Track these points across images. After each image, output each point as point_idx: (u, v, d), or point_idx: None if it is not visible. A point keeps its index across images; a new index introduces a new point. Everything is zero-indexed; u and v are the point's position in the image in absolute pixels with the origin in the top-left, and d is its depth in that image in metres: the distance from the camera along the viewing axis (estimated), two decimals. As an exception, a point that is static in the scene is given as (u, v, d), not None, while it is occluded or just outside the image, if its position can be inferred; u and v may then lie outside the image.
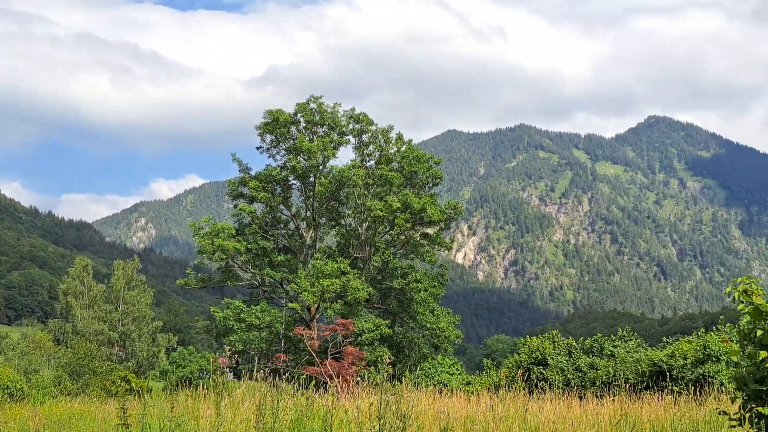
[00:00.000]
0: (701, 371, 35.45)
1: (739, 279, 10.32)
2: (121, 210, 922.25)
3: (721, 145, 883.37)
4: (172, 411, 15.97)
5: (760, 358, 9.38)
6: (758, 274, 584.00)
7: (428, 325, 57.38)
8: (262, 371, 26.56)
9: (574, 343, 45.06)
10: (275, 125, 58.17)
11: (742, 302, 9.92)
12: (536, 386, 31.93)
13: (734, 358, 10.29)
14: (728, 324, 40.72)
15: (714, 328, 40.68)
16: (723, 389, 27.63)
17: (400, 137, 62.86)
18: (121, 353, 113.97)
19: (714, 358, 36.19)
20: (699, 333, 41.72)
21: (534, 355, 43.19)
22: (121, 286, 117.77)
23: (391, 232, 60.92)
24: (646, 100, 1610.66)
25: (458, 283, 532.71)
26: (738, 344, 10.48)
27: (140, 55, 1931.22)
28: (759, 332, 9.65)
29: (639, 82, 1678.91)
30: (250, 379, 23.65)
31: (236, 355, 57.27)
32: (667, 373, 36.31)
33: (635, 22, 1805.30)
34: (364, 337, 51.27)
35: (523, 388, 24.56)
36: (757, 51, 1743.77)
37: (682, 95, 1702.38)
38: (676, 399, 22.51)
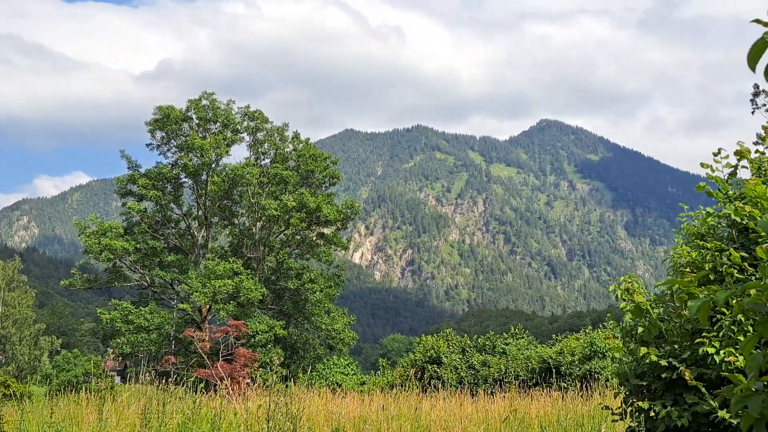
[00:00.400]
0: (588, 367, 36.69)
1: (622, 278, 10.65)
2: (1, 208, 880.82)
3: (608, 148, 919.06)
4: (51, 417, 15.27)
5: (641, 354, 9.69)
6: (642, 273, 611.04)
7: (323, 327, 57.30)
8: (150, 374, 25.84)
9: (467, 342, 45.87)
10: (166, 122, 56.95)
11: (624, 300, 10.24)
12: (430, 384, 32.31)
13: (617, 355, 10.61)
14: (612, 321, 42.37)
15: (601, 325, 42.22)
16: (608, 384, 28.65)
17: (296, 136, 62.57)
18: (0, 357, 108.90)
19: (600, 355, 37.54)
20: (587, 330, 43.21)
21: (429, 354, 43.69)
22: (1, 288, 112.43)
23: (286, 231, 60.53)
24: (538, 104, 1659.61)
25: (355, 283, 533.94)
26: (621, 341, 10.81)
27: (24, 47, 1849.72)
28: (639, 329, 9.99)
29: (533, 86, 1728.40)
30: (138, 382, 22.94)
31: (123, 358, 55.68)
32: (556, 370, 37.39)
33: (528, 27, 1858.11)
34: (257, 338, 50.75)
35: (417, 387, 24.77)
36: (642, 58, 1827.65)
37: (573, 100, 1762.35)
38: (563, 395, 23.14)
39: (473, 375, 41.63)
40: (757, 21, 3.55)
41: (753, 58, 3.48)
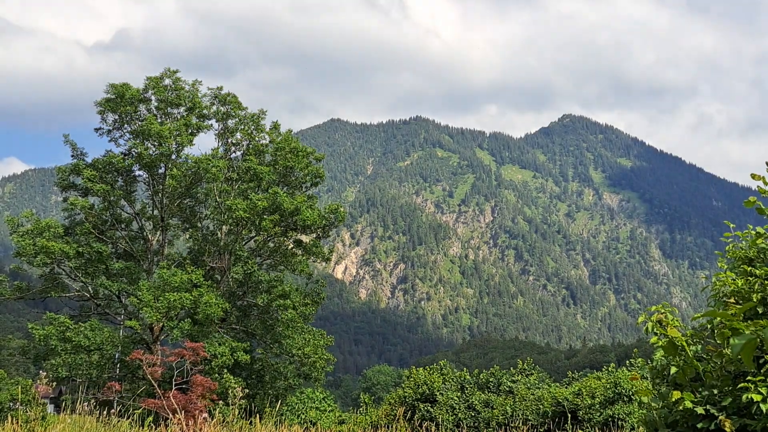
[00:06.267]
0: (610, 412, 36.77)
1: (654, 307, 10.70)
2: None
3: (643, 152, 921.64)
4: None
5: (673, 399, 9.71)
6: (679, 302, 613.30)
7: (295, 351, 57.21)
8: (89, 403, 25.79)
9: (467, 377, 45.92)
10: (119, 102, 56.84)
11: (656, 334, 10.28)
12: (421, 427, 32.36)
13: (644, 399, 10.63)
14: (640, 359, 42.53)
15: (627, 362, 42.33)
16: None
17: (275, 126, 62.61)
18: None
19: (625, 398, 37.63)
20: (610, 368, 43.30)
21: (420, 390, 43.71)
22: None
23: (257, 238, 60.47)
24: (562, 95, 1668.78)
25: (336, 301, 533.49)
26: (650, 382, 10.87)
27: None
28: (673, 369, 9.97)
29: (556, 73, 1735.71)
30: (74, 412, 22.93)
31: (58, 383, 55.46)
32: (572, 414, 37.46)
33: (553, 3, 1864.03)
34: (214, 363, 50.62)
35: (406, 429, 24.81)
36: (688, 44, 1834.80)
37: (604, 91, 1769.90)
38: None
39: (473, 417, 41.67)
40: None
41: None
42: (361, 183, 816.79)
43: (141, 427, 25.45)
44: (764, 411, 8.94)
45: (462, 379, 45.55)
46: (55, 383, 55.72)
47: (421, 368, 47.35)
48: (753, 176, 10.89)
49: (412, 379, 45.44)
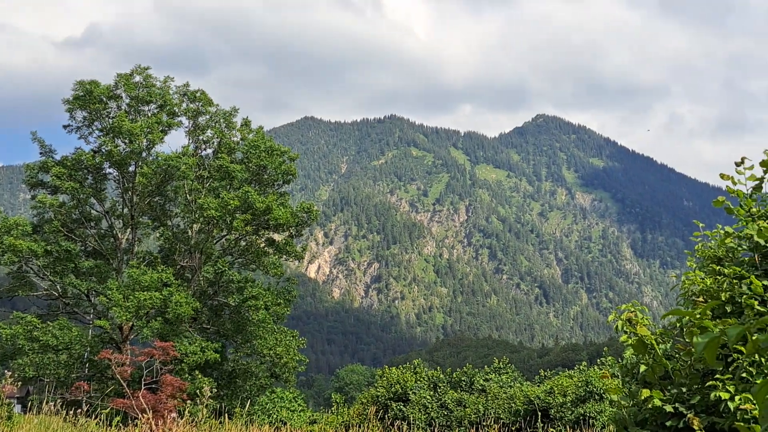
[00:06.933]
0: (582, 411, 36.94)
1: (624, 306, 10.72)
2: None
3: (615, 152, 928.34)
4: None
5: (643, 398, 9.72)
6: (650, 301, 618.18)
7: (266, 351, 57.06)
8: (56, 403, 25.55)
9: (440, 376, 45.96)
10: (88, 99, 56.42)
11: (626, 333, 10.28)
12: (393, 426, 32.32)
13: (614, 397, 10.63)
14: (611, 357, 42.74)
15: (598, 361, 42.55)
16: (604, 432, 28.86)
17: (246, 123, 62.40)
18: None
19: (597, 396, 37.82)
20: (582, 367, 43.50)
21: (393, 389, 43.72)
22: None
23: (228, 237, 60.23)
24: (537, 95, 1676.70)
25: (309, 301, 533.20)
26: (620, 381, 10.87)
27: None
28: (642, 368, 10.00)
29: (531, 73, 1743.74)
30: (41, 412, 22.73)
31: (25, 383, 54.97)
32: (544, 413, 37.59)
33: (527, 3, 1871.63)
34: (186, 362, 50.40)
35: (378, 428, 24.76)
36: (662, 44, 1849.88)
37: (578, 91, 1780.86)
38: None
39: (446, 416, 41.72)
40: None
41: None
42: (335, 182, 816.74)
43: (109, 427, 25.25)
44: (732, 409, 8.97)
45: (435, 377, 45.61)
46: (21, 383, 55.26)
47: (394, 367, 47.37)
48: (722, 176, 10.94)
49: (384, 378, 45.44)
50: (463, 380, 46.29)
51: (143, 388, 33.93)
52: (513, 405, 40.48)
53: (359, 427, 24.16)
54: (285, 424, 45.85)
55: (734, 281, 10.02)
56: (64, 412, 25.05)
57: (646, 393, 9.64)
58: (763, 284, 9.57)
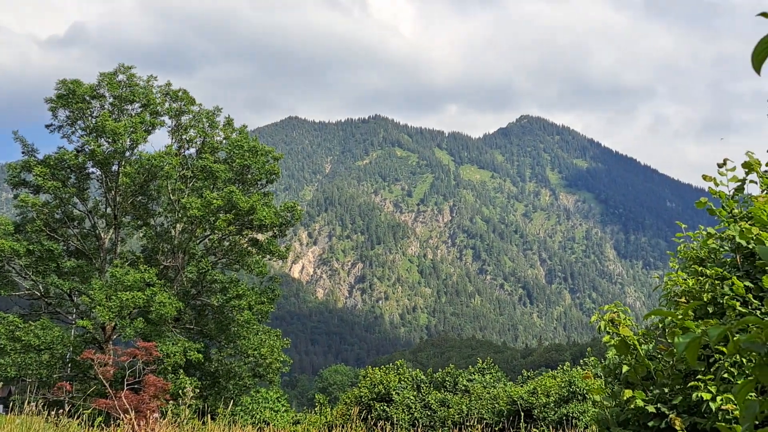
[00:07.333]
0: (565, 411, 37.06)
1: (607, 307, 10.76)
2: None
3: (599, 153, 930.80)
4: None
5: (625, 398, 9.76)
6: (633, 302, 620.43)
7: (250, 351, 56.99)
8: (38, 403, 25.42)
9: (423, 376, 45.99)
10: (71, 99, 56.19)
11: (608, 333, 10.32)
12: (377, 426, 32.33)
13: (597, 397, 10.67)
14: (594, 358, 42.91)
15: (581, 361, 42.70)
16: (587, 432, 28.97)
17: (229, 122, 62.30)
18: None
19: (580, 397, 37.94)
20: (565, 367, 43.63)
21: (377, 390, 43.72)
22: None
23: (211, 236, 60.10)
24: (522, 96, 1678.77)
25: (293, 301, 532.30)
26: (603, 381, 10.93)
27: None
28: (624, 368, 10.03)
29: (517, 74, 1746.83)
30: (22, 412, 22.63)
31: (7, 383, 54.70)
32: (527, 413, 37.68)
33: (513, 3, 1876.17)
34: (166, 362, 50.27)
35: (362, 429, 24.77)
36: (647, 46, 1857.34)
37: (564, 92, 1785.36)
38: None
39: (429, 416, 41.76)
40: (764, 14, 3.56)
41: (757, 58, 3.52)
42: (319, 182, 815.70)
43: (91, 427, 25.15)
44: (713, 409, 9.03)
45: (418, 378, 45.65)
46: (3, 383, 55.02)
47: (377, 368, 47.37)
48: (704, 177, 11.00)
49: (368, 378, 45.43)
50: (447, 381, 46.34)
51: (126, 388, 33.82)
52: (496, 405, 40.58)
53: (342, 427, 24.17)
54: (268, 424, 45.81)
55: (716, 282, 10.08)
56: (46, 412, 24.95)
57: (628, 393, 9.69)
58: (744, 285, 9.63)
